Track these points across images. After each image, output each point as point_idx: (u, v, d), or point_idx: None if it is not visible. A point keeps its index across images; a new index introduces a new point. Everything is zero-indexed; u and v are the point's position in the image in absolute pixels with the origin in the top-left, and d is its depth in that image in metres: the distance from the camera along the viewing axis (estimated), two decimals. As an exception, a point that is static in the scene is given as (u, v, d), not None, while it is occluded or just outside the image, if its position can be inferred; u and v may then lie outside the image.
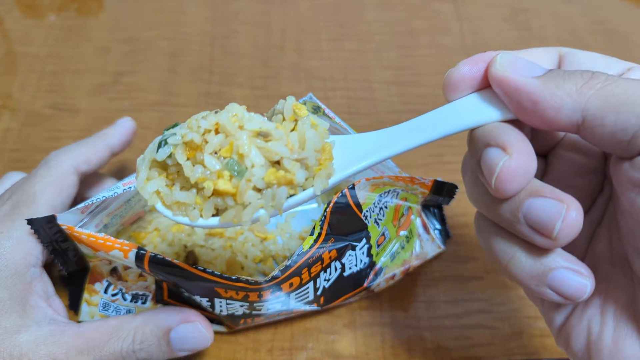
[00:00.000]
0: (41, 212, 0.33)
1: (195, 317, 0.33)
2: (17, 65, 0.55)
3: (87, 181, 0.38)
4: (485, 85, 0.26)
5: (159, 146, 0.26)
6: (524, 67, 0.24)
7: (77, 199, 0.38)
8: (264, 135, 0.25)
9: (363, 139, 0.28)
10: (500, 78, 0.24)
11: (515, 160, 0.22)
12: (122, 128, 0.40)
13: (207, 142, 0.25)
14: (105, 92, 0.52)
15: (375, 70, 0.56)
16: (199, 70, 0.55)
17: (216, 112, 0.26)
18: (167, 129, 0.27)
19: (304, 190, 0.26)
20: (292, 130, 0.26)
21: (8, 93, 0.52)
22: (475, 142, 0.25)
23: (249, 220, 0.25)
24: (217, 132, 0.25)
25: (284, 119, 0.27)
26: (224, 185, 0.25)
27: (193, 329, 0.32)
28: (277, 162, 0.25)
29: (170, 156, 0.26)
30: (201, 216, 0.26)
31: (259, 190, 0.25)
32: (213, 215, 0.26)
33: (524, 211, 0.23)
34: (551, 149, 0.28)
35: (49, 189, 0.34)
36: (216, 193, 0.25)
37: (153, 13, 0.61)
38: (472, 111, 0.25)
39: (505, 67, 0.24)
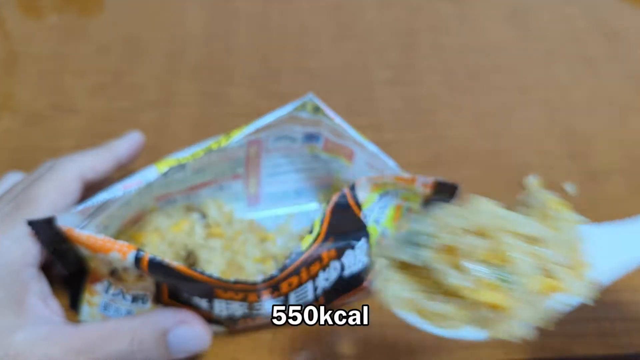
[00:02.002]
0: (42, 214, 0.33)
1: (193, 319, 0.33)
2: (18, 66, 0.55)
3: (95, 190, 0.38)
4: None
5: (403, 244, 0.24)
6: None
7: None
8: (533, 240, 0.24)
9: (622, 230, 0.25)
10: None
11: None
12: (131, 140, 0.40)
13: (465, 246, 0.23)
14: (105, 92, 0.52)
15: (375, 70, 0.56)
16: (199, 70, 0.55)
17: (464, 207, 0.24)
18: (411, 224, 0.25)
19: (568, 296, 0.25)
20: (548, 224, 0.25)
21: (8, 93, 0.52)
22: None
23: (520, 335, 0.24)
24: (476, 233, 0.24)
25: (540, 214, 0.25)
26: (492, 297, 0.23)
27: (190, 331, 0.32)
28: (546, 269, 0.24)
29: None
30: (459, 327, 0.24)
31: (528, 302, 0.24)
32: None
33: None
34: None
35: (52, 192, 0.34)
36: (480, 304, 0.23)
37: (153, 13, 0.61)
38: None
39: None
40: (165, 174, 0.34)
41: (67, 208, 0.34)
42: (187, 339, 0.32)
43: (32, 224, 0.32)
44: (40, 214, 0.33)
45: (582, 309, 0.39)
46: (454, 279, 0.22)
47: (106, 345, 0.31)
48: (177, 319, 0.32)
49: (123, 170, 0.46)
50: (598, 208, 0.46)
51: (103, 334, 0.31)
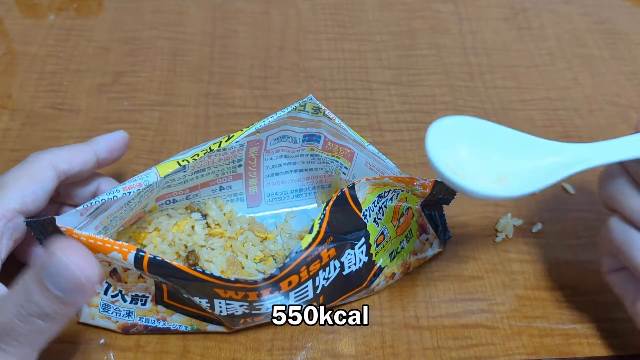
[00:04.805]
0: (10, 199, 0.32)
1: (56, 247, 0.25)
2: (17, 65, 0.55)
3: (79, 182, 0.38)
4: None
5: None
6: None
7: (67, 199, 0.38)
8: None
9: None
10: None
11: None
12: (112, 136, 0.39)
13: None
14: (105, 92, 0.52)
15: (375, 70, 0.56)
16: (199, 70, 0.55)
17: None
18: None
19: None
20: None
21: (8, 93, 0.52)
22: None
23: None
24: None
25: None
26: None
27: (55, 262, 0.25)
28: None
29: None
30: None
31: None
32: None
33: None
34: None
35: (21, 179, 0.34)
36: None
37: (153, 13, 0.61)
38: None
39: None
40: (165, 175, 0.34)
41: (37, 194, 0.34)
42: (55, 272, 0.25)
43: (30, 224, 0.31)
44: (7, 198, 0.32)
45: (582, 309, 0.39)
46: None
47: (5, 305, 0.27)
48: (47, 253, 0.26)
49: (122, 171, 0.46)
50: (598, 208, 0.46)
51: (6, 293, 0.28)
